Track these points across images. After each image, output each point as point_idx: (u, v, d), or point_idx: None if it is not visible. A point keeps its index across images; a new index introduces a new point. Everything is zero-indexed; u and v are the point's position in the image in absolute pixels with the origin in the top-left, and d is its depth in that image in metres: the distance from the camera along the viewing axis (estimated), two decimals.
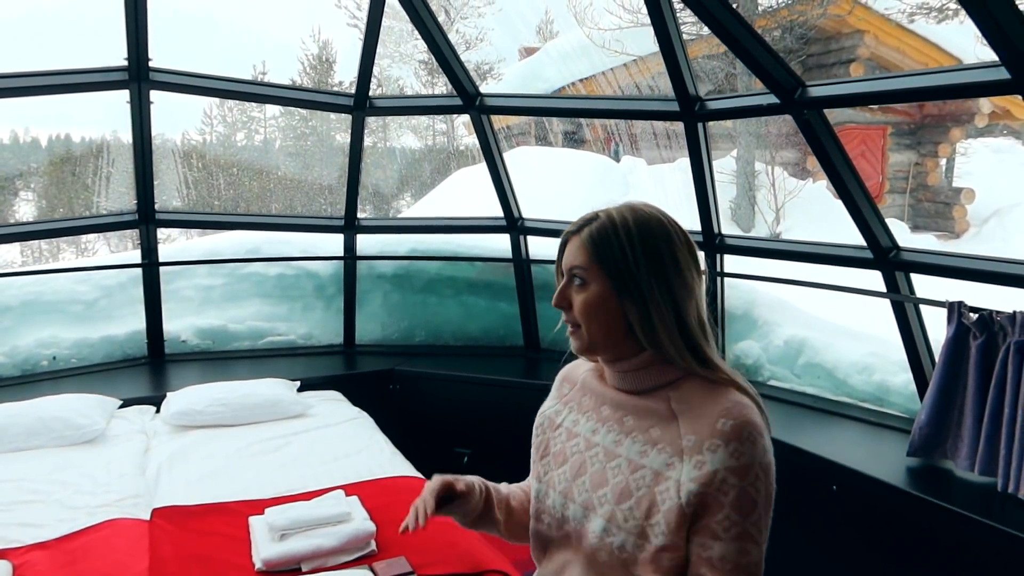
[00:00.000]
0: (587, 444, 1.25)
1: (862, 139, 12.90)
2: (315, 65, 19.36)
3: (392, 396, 4.44)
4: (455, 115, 16.48)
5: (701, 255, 1.25)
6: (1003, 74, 2.27)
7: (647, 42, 9.22)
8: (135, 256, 4.63)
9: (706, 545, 1.09)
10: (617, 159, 10.21)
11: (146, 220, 4.26)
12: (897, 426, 3.45)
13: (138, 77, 3.71)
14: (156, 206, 4.39)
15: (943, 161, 13.36)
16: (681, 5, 2.81)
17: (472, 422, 4.35)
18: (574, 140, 12.59)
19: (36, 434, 3.38)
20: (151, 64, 3.71)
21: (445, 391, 4.42)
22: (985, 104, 12.38)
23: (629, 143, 11.80)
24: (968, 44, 10.57)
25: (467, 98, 3.97)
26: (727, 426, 1.09)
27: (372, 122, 16.39)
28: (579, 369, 1.40)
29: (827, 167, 3.13)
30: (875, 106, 12.21)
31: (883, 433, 3.45)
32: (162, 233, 4.96)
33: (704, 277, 1.24)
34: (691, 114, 3.33)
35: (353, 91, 4.11)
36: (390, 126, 18.44)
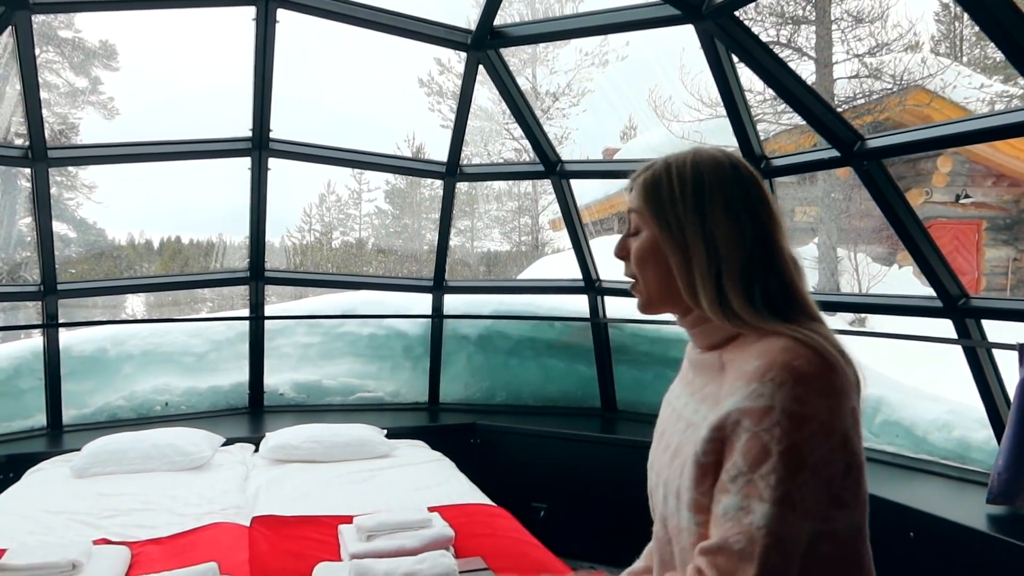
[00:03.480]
0: (675, 415, 1.15)
1: (954, 235, 12.62)
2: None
3: (473, 450, 4.61)
4: (540, 211, 17.13)
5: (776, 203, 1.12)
6: None
7: (727, 134, 9.56)
8: (243, 313, 5.08)
9: (717, 500, 0.95)
10: None
11: (256, 277, 4.70)
12: (979, 480, 3.40)
13: (259, 145, 4.22)
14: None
15: None
16: (741, 64, 3.07)
17: (550, 478, 4.46)
18: None
19: (151, 458, 3.71)
20: (272, 135, 4.23)
21: (524, 446, 4.56)
22: None
23: None
24: None
25: (548, 164, 4.32)
26: (752, 366, 0.96)
27: (459, 221, 17.16)
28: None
29: (891, 219, 3.26)
30: (967, 201, 12.05)
31: (964, 486, 3.40)
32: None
33: (781, 222, 1.09)
34: (758, 169, 3.54)
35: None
36: (477, 226, 19.24)
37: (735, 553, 0.90)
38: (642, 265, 1.12)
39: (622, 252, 1.15)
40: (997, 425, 3.29)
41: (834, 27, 8.62)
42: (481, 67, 4.02)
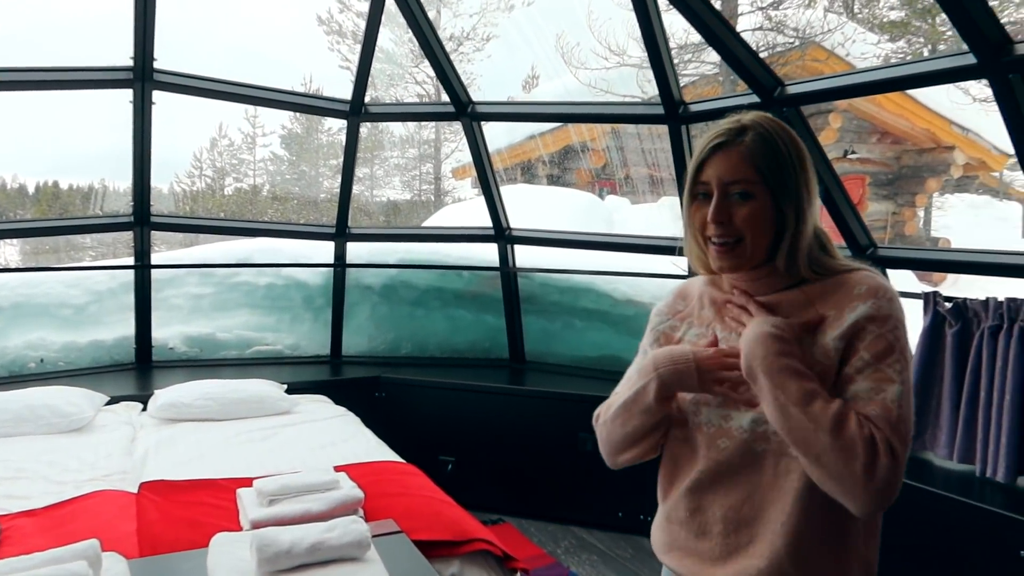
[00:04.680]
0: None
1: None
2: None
3: (378, 403, 4.46)
4: (444, 159, 16.78)
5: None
6: (970, 60, 2.42)
7: (631, 83, 9.53)
8: (127, 262, 4.68)
9: (844, 391, 1.14)
10: (602, 198, 10.40)
11: (141, 222, 4.32)
12: None
13: (142, 77, 3.82)
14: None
15: (920, 211, 13.69)
16: (667, 6, 2.96)
17: (457, 430, 4.37)
18: (559, 184, 12.82)
19: (24, 420, 3.37)
20: (156, 65, 3.83)
21: (431, 399, 4.44)
22: (960, 156, 12.77)
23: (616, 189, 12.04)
24: (940, 97, 10.94)
25: (460, 105, 4.11)
26: (862, 289, 1.17)
27: (358, 169, 16.61)
28: (693, 286, 1.40)
29: None
30: (855, 156, 12.55)
31: None
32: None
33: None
34: (675, 117, 3.47)
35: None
36: (376, 174, 18.69)
37: (873, 418, 1.10)
38: (756, 231, 1.20)
39: (723, 216, 1.21)
40: None
41: None
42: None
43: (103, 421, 3.58)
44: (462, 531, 2.47)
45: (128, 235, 4.54)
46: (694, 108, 3.42)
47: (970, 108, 9.75)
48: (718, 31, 2.97)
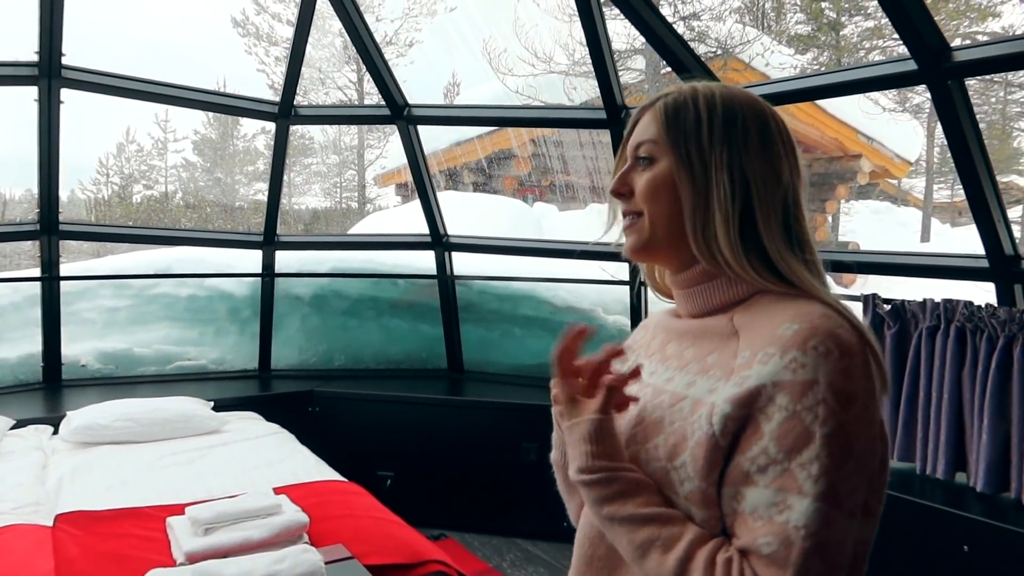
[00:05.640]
0: (653, 391, 0.95)
1: None
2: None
3: (311, 419, 4.27)
4: (367, 166, 16.48)
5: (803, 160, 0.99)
6: (911, 66, 2.47)
7: (558, 91, 9.55)
8: (33, 274, 4.34)
9: (738, 495, 0.78)
10: (530, 205, 10.40)
11: (48, 231, 4.00)
12: None
13: (48, 73, 3.54)
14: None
15: (830, 217, 14.26)
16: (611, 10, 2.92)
17: (396, 444, 4.22)
18: (485, 190, 12.76)
19: None
20: (64, 61, 3.55)
21: (367, 412, 4.28)
22: (866, 163, 13.38)
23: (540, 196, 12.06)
24: (851, 107, 11.43)
25: (396, 108, 3.97)
26: (790, 331, 0.79)
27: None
28: (656, 314, 1.11)
29: None
30: None
31: None
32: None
33: (805, 181, 0.96)
34: (617, 121, 3.44)
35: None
36: (295, 181, 18.19)
37: (765, 559, 0.74)
38: (652, 198, 0.93)
39: (623, 187, 0.97)
40: None
41: None
42: None
43: (9, 447, 3.28)
44: (415, 553, 2.35)
45: (28, 245, 4.21)
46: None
47: (880, 117, 10.19)
48: (662, 34, 2.96)
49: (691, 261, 0.94)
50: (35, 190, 4.03)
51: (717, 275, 0.92)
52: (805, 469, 0.74)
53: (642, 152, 0.95)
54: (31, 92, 3.63)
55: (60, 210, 4.01)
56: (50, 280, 4.10)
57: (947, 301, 2.88)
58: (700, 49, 8.69)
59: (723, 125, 0.91)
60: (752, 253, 0.88)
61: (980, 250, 2.87)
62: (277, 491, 2.71)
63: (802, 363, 0.76)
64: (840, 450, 0.74)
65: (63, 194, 4.20)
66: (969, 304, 2.80)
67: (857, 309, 3.16)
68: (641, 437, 0.90)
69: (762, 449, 0.76)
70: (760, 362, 0.79)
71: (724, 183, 0.89)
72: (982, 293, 3.10)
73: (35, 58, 3.53)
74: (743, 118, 0.91)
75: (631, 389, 0.95)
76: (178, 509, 2.55)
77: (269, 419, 3.91)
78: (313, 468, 3.11)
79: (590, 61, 3.19)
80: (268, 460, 3.20)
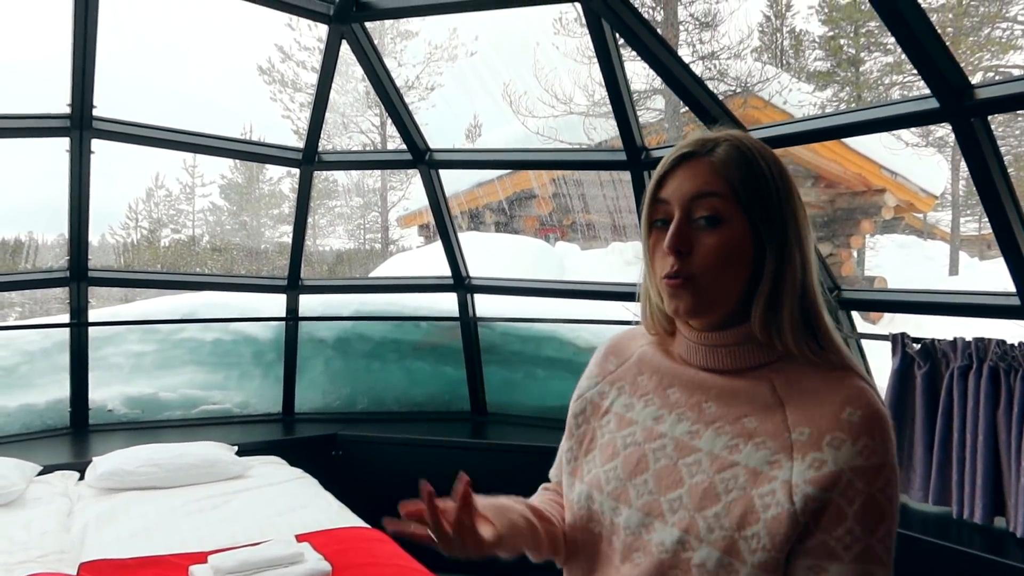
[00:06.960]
0: (648, 435, 0.96)
1: None
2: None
3: (335, 463, 4.25)
4: (390, 208, 16.66)
5: None
6: (933, 104, 2.46)
7: (578, 131, 9.64)
8: (63, 319, 4.41)
9: (820, 568, 0.84)
10: (552, 244, 10.43)
11: (78, 277, 4.07)
12: None
13: (80, 125, 3.63)
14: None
15: (855, 252, 14.13)
16: (629, 53, 2.95)
17: (419, 488, 4.18)
18: (507, 231, 12.83)
19: None
20: (95, 112, 3.65)
21: (390, 456, 4.25)
22: (891, 198, 13.30)
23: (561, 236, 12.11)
24: (873, 143, 11.41)
25: (417, 153, 4.02)
26: (855, 417, 0.85)
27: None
28: (634, 342, 1.08)
29: None
30: None
31: None
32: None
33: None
34: (637, 162, 3.45)
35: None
36: (320, 223, 18.44)
37: None
38: (721, 266, 0.89)
39: (684, 244, 0.90)
40: None
41: (681, 29, 8.89)
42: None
43: (36, 494, 3.30)
44: None
45: (59, 290, 4.28)
46: (656, 154, 3.42)
47: (903, 152, 10.15)
48: (679, 75, 2.98)
49: (731, 323, 0.93)
50: (66, 234, 4.11)
51: (754, 337, 0.92)
52: (882, 543, 0.84)
53: (705, 209, 0.89)
54: (63, 143, 3.72)
55: (90, 255, 4.09)
56: (79, 327, 4.16)
57: (979, 340, 2.83)
58: (720, 88, 8.75)
59: (788, 193, 0.90)
60: (807, 331, 0.91)
61: (1010, 285, 2.82)
62: (299, 538, 2.69)
63: (873, 449, 0.84)
64: (895, 521, 0.86)
65: (93, 239, 4.28)
66: (1002, 343, 2.74)
67: (885, 348, 3.11)
68: (656, 485, 0.93)
69: (847, 530, 0.83)
70: (831, 446, 0.84)
71: (796, 258, 0.89)
72: (1014, 328, 3.04)
73: (67, 110, 3.63)
74: (791, 183, 0.91)
75: (609, 431, 1.01)
76: (201, 557, 2.54)
77: (292, 463, 3.90)
78: (336, 514, 3.09)
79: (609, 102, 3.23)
80: (291, 506, 3.18)
